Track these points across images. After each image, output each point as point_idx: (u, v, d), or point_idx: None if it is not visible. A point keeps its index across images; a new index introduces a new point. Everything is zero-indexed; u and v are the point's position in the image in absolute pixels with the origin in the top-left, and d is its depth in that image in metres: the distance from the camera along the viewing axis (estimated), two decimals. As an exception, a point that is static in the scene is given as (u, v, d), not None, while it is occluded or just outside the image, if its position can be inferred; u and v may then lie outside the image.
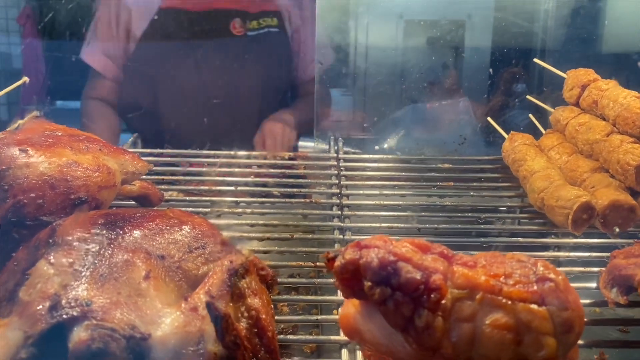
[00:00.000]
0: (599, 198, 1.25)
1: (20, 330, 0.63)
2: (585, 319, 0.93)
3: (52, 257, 0.70)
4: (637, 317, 1.05)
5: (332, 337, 0.90)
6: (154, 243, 0.74)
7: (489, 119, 1.72)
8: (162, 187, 1.38)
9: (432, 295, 0.63)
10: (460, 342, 0.63)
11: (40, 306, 0.64)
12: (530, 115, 1.72)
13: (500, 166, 1.57)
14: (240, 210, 1.31)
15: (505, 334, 0.62)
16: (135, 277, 0.68)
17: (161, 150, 1.60)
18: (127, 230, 0.74)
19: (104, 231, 0.74)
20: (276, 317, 0.89)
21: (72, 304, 0.63)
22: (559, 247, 1.31)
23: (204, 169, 1.51)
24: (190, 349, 0.64)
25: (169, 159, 1.54)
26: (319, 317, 0.96)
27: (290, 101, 2.38)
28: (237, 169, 1.50)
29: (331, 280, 1.05)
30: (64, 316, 0.62)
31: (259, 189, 1.42)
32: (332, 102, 2.23)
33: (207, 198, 1.38)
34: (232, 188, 1.41)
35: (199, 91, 2.16)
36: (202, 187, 1.43)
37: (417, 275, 0.63)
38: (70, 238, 0.72)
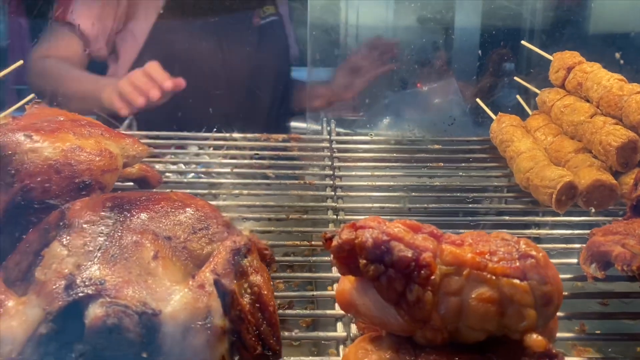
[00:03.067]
0: (582, 178, 1.31)
1: (39, 307, 0.67)
2: (567, 293, 1.00)
3: (64, 239, 0.74)
4: (616, 290, 1.11)
5: (328, 312, 0.96)
6: (161, 225, 0.78)
7: (478, 100, 1.77)
8: (160, 168, 1.42)
9: (422, 272, 0.68)
10: (448, 314, 0.68)
11: (57, 285, 0.68)
12: (518, 97, 1.76)
13: (488, 147, 1.61)
14: (237, 191, 1.35)
15: (490, 306, 0.68)
16: (144, 257, 0.73)
17: (157, 133, 1.63)
18: (134, 213, 0.79)
19: (113, 214, 0.78)
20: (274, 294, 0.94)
21: (87, 283, 0.68)
22: (543, 225, 1.37)
23: (201, 151, 1.55)
24: (199, 324, 0.68)
25: (164, 141, 1.57)
26: (315, 292, 1.01)
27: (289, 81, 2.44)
28: (234, 151, 1.54)
29: (326, 258, 1.11)
30: (80, 294, 0.67)
31: (254, 170, 1.46)
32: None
33: (205, 180, 1.42)
34: (229, 170, 1.45)
35: (215, 76, 2.18)
36: (199, 170, 1.47)
37: (409, 254, 0.68)
38: (81, 220, 0.76)
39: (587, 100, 1.48)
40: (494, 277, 0.68)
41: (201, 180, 1.41)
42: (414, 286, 0.68)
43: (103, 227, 0.76)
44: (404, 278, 0.68)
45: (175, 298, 0.69)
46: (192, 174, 1.50)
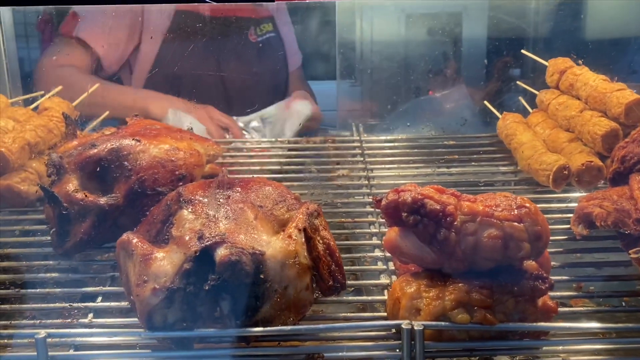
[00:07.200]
0: (574, 161, 1.58)
1: (180, 252, 0.96)
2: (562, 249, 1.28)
3: (189, 209, 1.03)
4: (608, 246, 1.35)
5: (372, 267, 1.25)
6: (254, 197, 1.07)
7: (485, 102, 2.05)
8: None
9: (448, 219, 0.96)
10: (467, 249, 0.96)
11: (191, 237, 0.97)
12: (520, 98, 2.04)
13: (495, 141, 1.90)
14: (287, 183, 1.64)
15: (497, 242, 0.95)
16: (248, 218, 1.01)
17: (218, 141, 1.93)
18: (235, 190, 1.08)
19: (219, 191, 1.07)
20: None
21: (213, 234, 0.96)
22: (545, 201, 1.63)
23: (253, 153, 1.84)
24: (291, 261, 0.97)
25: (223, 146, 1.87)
26: (358, 255, 1.30)
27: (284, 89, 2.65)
28: (280, 152, 1.83)
29: (365, 230, 1.39)
30: (210, 242, 0.96)
31: (300, 167, 1.76)
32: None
33: (258, 176, 1.71)
34: (278, 167, 1.75)
35: (217, 89, 2.39)
36: (253, 168, 1.76)
37: (438, 206, 0.97)
38: (198, 196, 1.06)
39: (578, 98, 1.75)
40: (499, 222, 0.96)
41: (256, 176, 1.70)
42: (442, 230, 0.96)
43: (215, 200, 1.05)
44: (435, 224, 0.97)
45: (273, 244, 0.98)
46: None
